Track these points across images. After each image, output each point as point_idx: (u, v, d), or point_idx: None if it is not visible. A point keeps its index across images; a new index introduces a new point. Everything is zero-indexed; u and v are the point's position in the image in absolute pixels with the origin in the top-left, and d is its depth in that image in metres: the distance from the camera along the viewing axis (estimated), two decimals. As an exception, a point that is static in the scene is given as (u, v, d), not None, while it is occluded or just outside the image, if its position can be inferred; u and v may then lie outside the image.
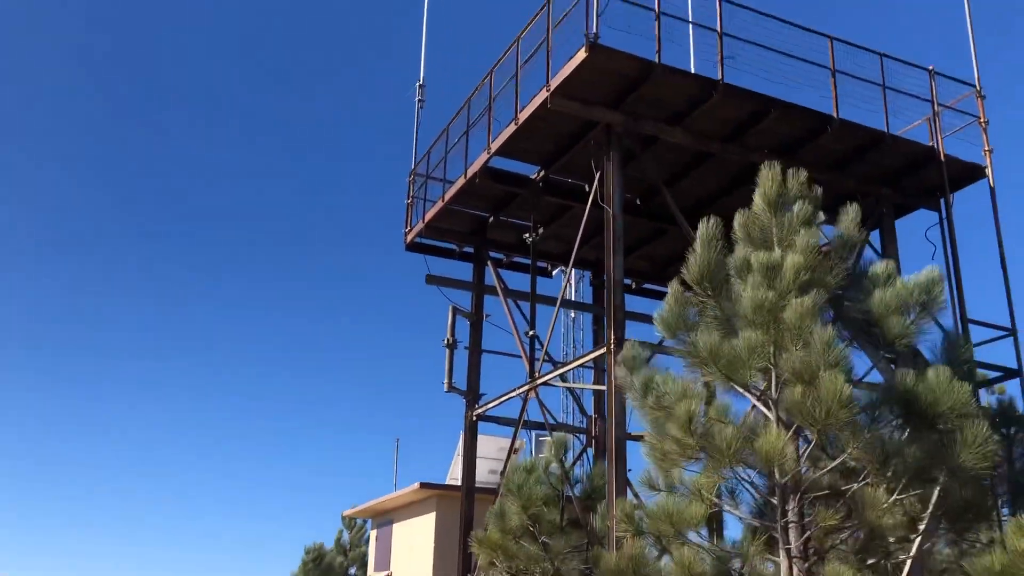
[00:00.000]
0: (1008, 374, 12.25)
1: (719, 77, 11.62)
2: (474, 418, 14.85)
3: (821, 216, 13.15)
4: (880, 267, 7.13)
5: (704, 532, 6.91)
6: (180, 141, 53.37)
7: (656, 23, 11.33)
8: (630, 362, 7.10)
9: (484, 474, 17.79)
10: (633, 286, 17.23)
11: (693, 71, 12.39)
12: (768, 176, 7.72)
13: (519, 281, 16.23)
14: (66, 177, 52.04)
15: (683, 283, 7.55)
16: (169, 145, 53.33)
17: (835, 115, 12.23)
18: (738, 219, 7.60)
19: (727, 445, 6.06)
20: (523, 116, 12.27)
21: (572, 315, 21.69)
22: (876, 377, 8.06)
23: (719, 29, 11.76)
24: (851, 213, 7.58)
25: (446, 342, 14.89)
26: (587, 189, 12.95)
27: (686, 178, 13.49)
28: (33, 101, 51.68)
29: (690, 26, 12.07)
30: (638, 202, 14.51)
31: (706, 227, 7.29)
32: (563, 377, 13.88)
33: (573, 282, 25.32)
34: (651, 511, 6.60)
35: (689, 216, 14.07)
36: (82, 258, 52.99)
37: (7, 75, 49.92)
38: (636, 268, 16.50)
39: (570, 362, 13.13)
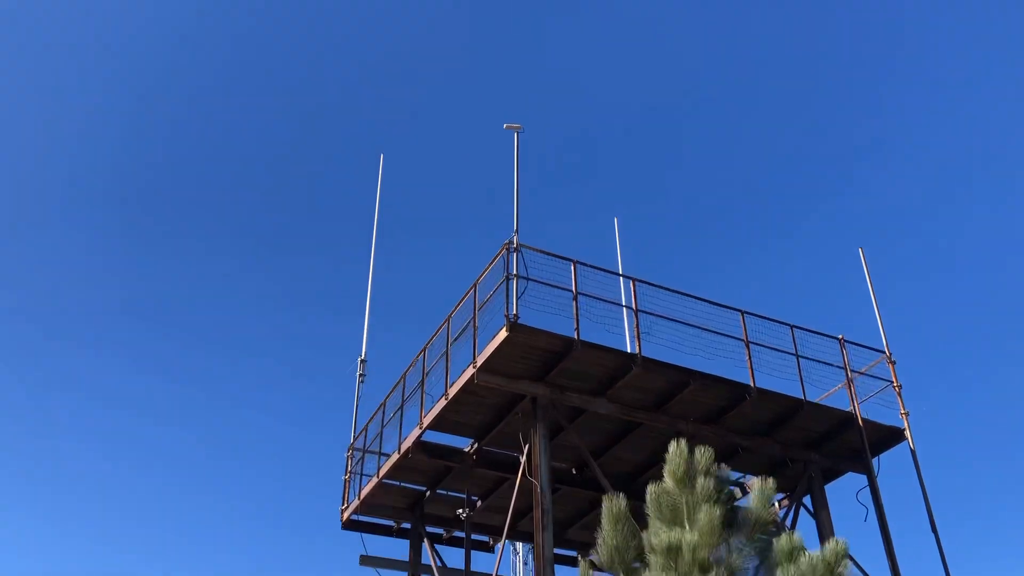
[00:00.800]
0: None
1: (637, 350, 12.16)
2: None
3: (745, 484, 13.13)
4: (784, 541, 7.14)
5: None
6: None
7: (574, 302, 12.01)
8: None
9: None
10: (579, 557, 16.75)
11: (628, 342, 12.94)
12: (675, 453, 7.89)
13: (460, 557, 15.74)
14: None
15: (594, 563, 7.45)
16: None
17: (752, 384, 12.70)
18: (649, 495, 7.65)
19: None
20: (453, 391, 12.57)
21: (521, 591, 20.81)
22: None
23: (635, 307, 12.47)
24: (762, 490, 7.67)
25: (380, 630, 14.13)
26: (520, 460, 13.02)
27: (618, 446, 13.65)
28: None
29: (615, 301, 12.83)
30: (574, 472, 14.53)
31: (611, 505, 7.33)
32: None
33: (523, 553, 24.56)
34: None
35: (624, 485, 14.09)
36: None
37: None
38: (579, 539, 16.15)
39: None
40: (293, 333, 50.78)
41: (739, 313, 13.25)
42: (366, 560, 14.78)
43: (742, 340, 13.02)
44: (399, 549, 15.52)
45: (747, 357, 12.90)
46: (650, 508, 7.79)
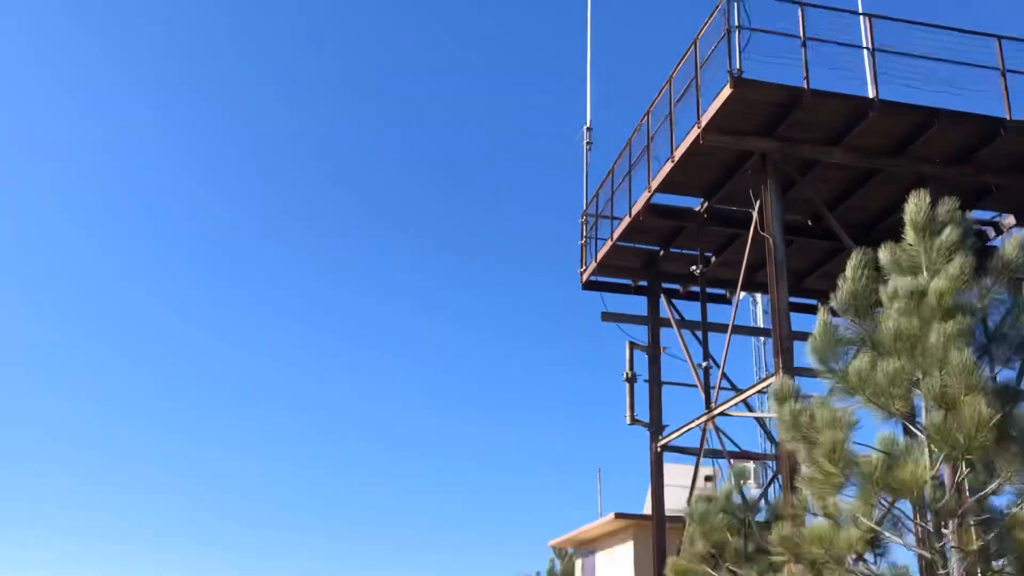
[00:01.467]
0: None
1: (874, 94, 11.48)
2: (659, 449, 15.18)
3: (1000, 224, 12.53)
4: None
5: (869, 557, 6.95)
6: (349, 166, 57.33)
7: (802, 49, 11.41)
8: (779, 395, 7.32)
9: (680, 502, 17.91)
10: (818, 305, 16.91)
11: (871, 85, 12.19)
12: (915, 205, 7.68)
13: (697, 310, 16.41)
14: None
15: (833, 311, 7.68)
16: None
17: (1008, 116, 11.69)
18: (886, 250, 7.61)
19: (871, 472, 6.18)
20: (678, 153, 12.65)
21: (762, 340, 21.46)
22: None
23: (871, 45, 11.64)
24: (1017, 239, 7.33)
25: (626, 376, 15.34)
26: (752, 215, 13.09)
27: (854, 196, 13.29)
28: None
29: (848, 43, 11.99)
30: (809, 223, 14.40)
31: (856, 259, 7.38)
32: (747, 403, 13.95)
33: (762, 303, 25.02)
34: (804, 536, 6.77)
35: (864, 232, 13.85)
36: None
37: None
38: (818, 288, 16.21)
39: (745, 390, 13.20)
40: (517, 109, 51.88)
41: (995, 39, 11.97)
42: (607, 316, 15.82)
43: (997, 69, 11.86)
44: (637, 305, 16.44)
45: (1003, 87, 11.79)
46: (887, 261, 7.77)
